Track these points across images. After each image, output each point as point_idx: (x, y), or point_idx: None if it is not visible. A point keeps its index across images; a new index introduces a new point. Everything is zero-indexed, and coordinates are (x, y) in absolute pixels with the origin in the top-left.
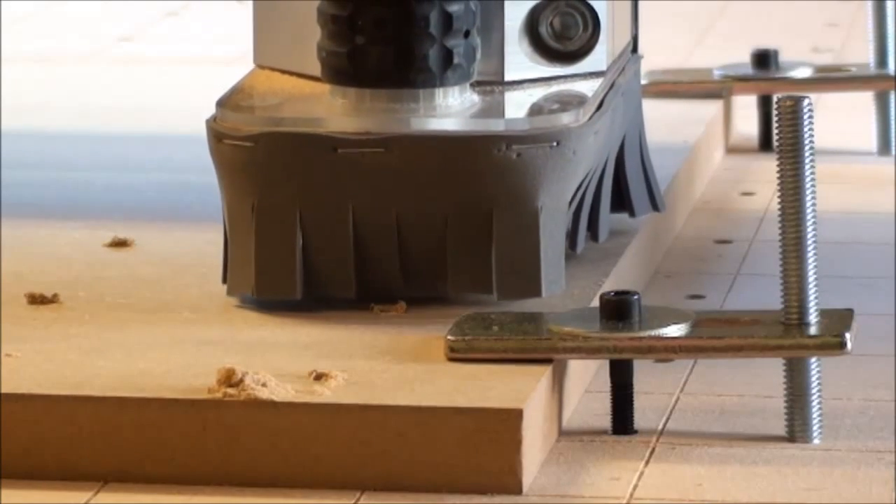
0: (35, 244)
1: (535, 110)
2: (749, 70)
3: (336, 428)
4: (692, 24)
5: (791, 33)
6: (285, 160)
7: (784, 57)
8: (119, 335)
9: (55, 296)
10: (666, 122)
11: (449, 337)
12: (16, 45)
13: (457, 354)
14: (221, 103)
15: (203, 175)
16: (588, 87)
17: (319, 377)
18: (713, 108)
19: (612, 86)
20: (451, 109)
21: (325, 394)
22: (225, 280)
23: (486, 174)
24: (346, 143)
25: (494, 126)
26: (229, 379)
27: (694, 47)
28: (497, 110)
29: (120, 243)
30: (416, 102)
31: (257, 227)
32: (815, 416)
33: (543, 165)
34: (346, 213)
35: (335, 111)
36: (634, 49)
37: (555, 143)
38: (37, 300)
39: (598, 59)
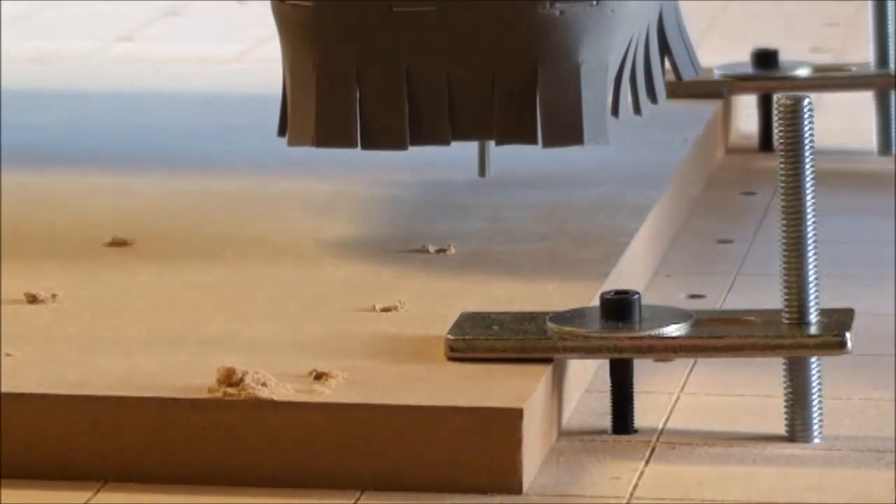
0: (35, 244)
1: None
2: (749, 70)
3: (336, 428)
4: (692, 24)
5: (791, 33)
6: (343, 19)
7: (784, 57)
8: (119, 335)
9: (55, 296)
10: (666, 122)
11: (449, 336)
12: (16, 45)
13: (457, 354)
14: None
15: (202, 174)
16: None
17: (319, 377)
18: (713, 107)
19: None
20: None
21: (325, 393)
22: (280, 133)
23: (531, 30)
24: (401, 1)
25: None
26: (229, 378)
27: (694, 47)
28: None
29: (120, 243)
30: None
31: (318, 83)
32: (815, 416)
33: (584, 22)
34: (401, 69)
35: None
36: None
37: (594, 2)
38: (37, 300)
39: None
